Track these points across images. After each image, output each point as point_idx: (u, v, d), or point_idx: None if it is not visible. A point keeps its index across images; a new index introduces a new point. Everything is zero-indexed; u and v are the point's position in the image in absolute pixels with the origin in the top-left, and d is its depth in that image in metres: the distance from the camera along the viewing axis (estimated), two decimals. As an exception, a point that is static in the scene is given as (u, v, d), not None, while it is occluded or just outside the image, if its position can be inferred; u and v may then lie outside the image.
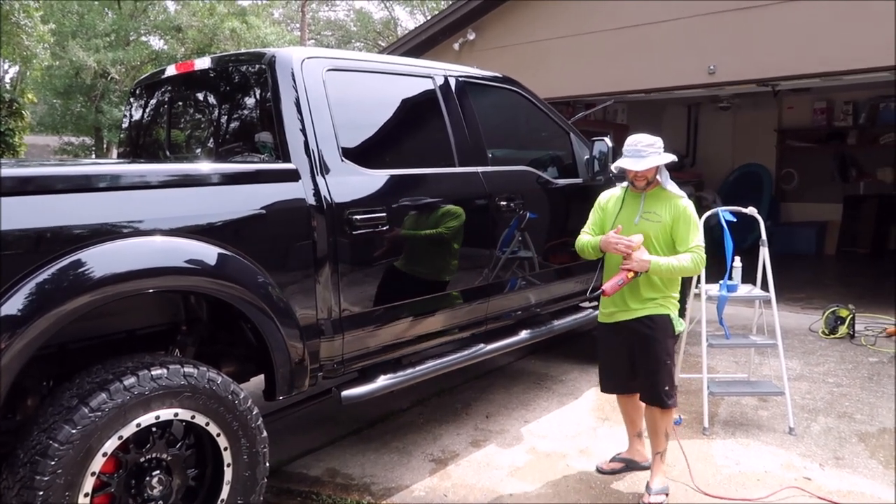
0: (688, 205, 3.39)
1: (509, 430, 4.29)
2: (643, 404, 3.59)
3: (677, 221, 3.34)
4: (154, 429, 2.55)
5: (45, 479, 2.24)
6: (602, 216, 3.57)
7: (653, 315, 3.37)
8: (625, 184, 3.53)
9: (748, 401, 4.68)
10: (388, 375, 3.53)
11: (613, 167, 3.54)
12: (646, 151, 3.31)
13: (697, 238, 3.35)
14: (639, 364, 3.44)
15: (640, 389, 3.47)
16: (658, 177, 3.41)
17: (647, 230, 3.36)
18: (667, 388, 3.36)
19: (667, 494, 3.41)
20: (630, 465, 3.71)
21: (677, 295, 3.47)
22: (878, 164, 11.19)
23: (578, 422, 4.42)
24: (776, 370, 4.78)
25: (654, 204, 3.41)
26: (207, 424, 2.65)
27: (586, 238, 3.54)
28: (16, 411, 2.64)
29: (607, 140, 4.67)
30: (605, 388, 3.67)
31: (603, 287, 3.35)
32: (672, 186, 3.44)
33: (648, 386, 3.41)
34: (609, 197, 3.60)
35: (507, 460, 3.88)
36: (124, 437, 2.43)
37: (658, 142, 3.36)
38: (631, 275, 3.28)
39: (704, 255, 3.35)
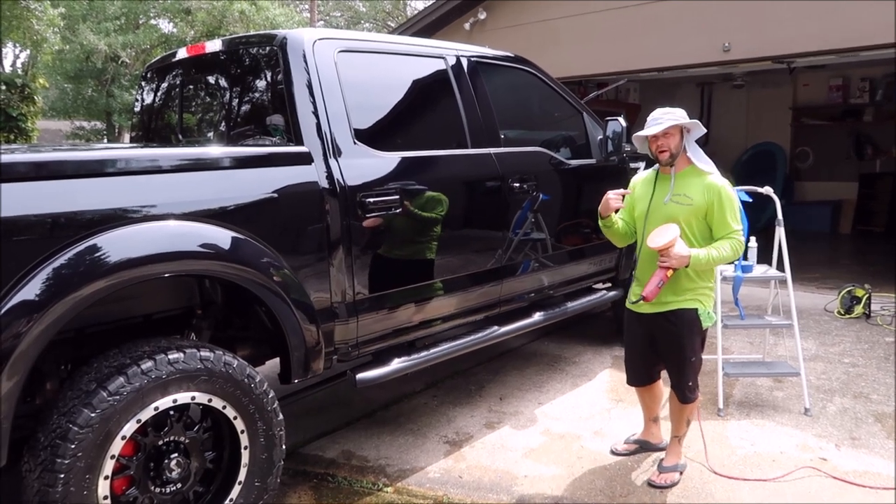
0: (722, 183, 3.16)
1: (523, 411, 4.30)
2: (661, 394, 3.57)
3: (713, 206, 3.12)
4: (172, 412, 2.57)
5: (66, 462, 2.27)
6: (631, 200, 3.41)
7: (678, 310, 3.20)
8: (656, 166, 3.34)
9: (763, 382, 4.67)
10: (402, 358, 3.53)
11: (633, 138, 3.33)
12: (662, 119, 3.14)
13: (735, 221, 3.15)
14: (664, 356, 3.38)
15: (670, 378, 3.40)
16: (688, 154, 3.22)
17: (677, 214, 3.15)
18: (690, 383, 3.30)
19: (681, 472, 3.41)
20: (644, 447, 3.70)
21: (712, 286, 3.29)
22: (894, 142, 11.04)
23: (592, 403, 4.42)
24: (791, 351, 4.75)
25: (685, 185, 3.18)
26: (224, 408, 2.67)
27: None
28: (35, 395, 2.67)
29: (620, 120, 4.61)
30: (632, 380, 3.56)
31: (643, 294, 3.11)
32: (704, 164, 3.22)
33: (673, 378, 3.36)
34: (640, 181, 3.42)
35: (521, 442, 3.89)
36: (143, 421, 2.46)
37: (678, 111, 3.17)
38: (670, 273, 3.07)
39: (743, 240, 3.17)
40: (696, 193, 3.16)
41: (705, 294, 3.24)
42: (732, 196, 3.18)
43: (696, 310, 3.21)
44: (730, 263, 4.28)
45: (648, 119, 3.22)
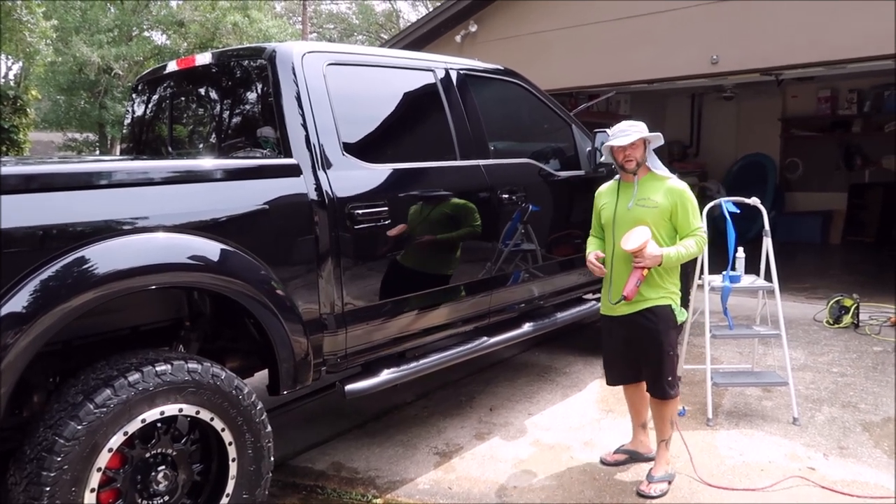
0: (683, 187, 3.39)
1: (513, 422, 4.30)
2: (648, 395, 3.60)
3: (677, 207, 3.34)
4: (159, 424, 2.56)
5: (52, 474, 2.27)
6: (597, 209, 3.60)
7: (655, 307, 3.36)
8: (617, 176, 3.54)
9: (752, 391, 4.69)
10: (392, 369, 3.54)
11: (602, 149, 3.55)
12: (629, 131, 3.35)
13: (697, 220, 3.40)
14: (642, 355, 3.45)
15: (645, 379, 3.49)
16: (648, 163, 3.43)
17: (644, 216, 3.34)
18: (669, 378, 3.39)
19: (670, 482, 3.43)
20: (634, 457, 3.71)
21: (678, 283, 3.47)
22: (883, 153, 11.11)
23: (582, 414, 4.42)
24: (780, 360, 4.77)
25: (647, 190, 3.39)
26: (212, 420, 2.67)
27: (590, 245, 3.63)
28: (22, 408, 2.66)
29: (609, 131, 4.64)
30: (611, 380, 3.68)
31: (623, 294, 3.29)
32: (661, 170, 3.44)
33: (652, 377, 3.43)
34: (604, 191, 3.61)
35: (511, 453, 3.89)
36: (129, 433, 2.45)
37: (641, 125, 3.40)
38: (645, 272, 3.27)
39: (706, 236, 3.41)
40: (659, 197, 3.36)
41: (674, 292, 3.44)
42: (693, 197, 3.41)
43: (670, 306, 3.39)
44: (718, 274, 4.36)
45: (615, 130, 3.42)
